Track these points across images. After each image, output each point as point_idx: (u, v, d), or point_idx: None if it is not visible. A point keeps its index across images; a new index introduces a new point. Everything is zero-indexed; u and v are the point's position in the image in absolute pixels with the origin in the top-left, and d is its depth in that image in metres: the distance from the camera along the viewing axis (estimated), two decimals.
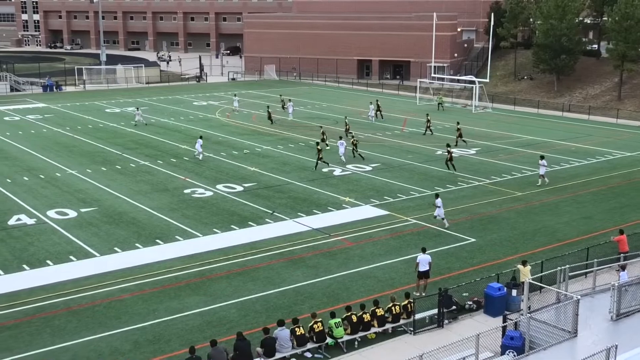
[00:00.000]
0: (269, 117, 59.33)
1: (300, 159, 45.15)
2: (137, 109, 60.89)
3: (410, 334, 21.58)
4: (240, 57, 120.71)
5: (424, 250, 24.85)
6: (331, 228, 31.34)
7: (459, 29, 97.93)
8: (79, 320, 22.18)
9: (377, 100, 64.85)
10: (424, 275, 24.40)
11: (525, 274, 23.04)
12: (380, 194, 36.95)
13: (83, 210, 33.92)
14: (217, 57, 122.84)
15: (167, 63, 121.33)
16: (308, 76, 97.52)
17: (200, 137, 47.46)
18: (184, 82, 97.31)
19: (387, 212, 33.78)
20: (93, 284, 25.03)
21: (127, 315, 22.60)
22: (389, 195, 36.88)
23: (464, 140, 50.56)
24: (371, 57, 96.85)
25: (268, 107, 64.16)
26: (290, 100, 65.45)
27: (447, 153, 42.47)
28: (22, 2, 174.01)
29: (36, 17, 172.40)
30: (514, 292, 22.76)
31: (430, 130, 54.60)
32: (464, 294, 23.68)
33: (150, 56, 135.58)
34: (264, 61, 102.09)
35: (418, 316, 21.95)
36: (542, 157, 39.89)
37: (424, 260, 24.38)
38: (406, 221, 32.48)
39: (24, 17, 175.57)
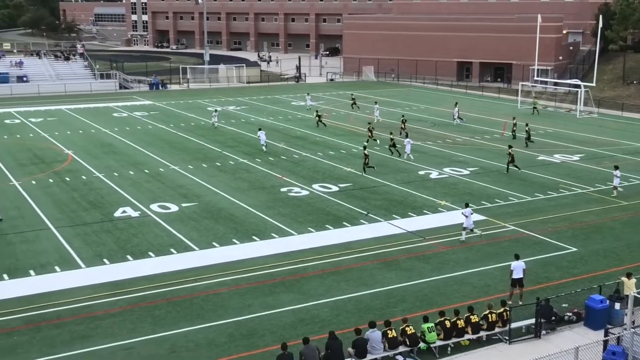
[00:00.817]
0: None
1: (396, 161, 44.93)
2: (216, 110, 61.85)
3: (506, 343, 21.08)
4: (340, 57, 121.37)
5: (517, 257, 24.20)
6: (426, 231, 31.03)
7: (564, 31, 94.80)
8: (177, 311, 22.91)
9: (456, 103, 64.08)
10: (518, 282, 23.78)
11: (630, 287, 22.06)
12: (477, 199, 36.28)
13: (184, 205, 35.02)
14: (316, 57, 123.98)
15: (268, 63, 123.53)
16: (406, 78, 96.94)
17: (260, 129, 50.47)
18: (283, 82, 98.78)
19: (484, 217, 33.12)
20: (192, 276, 25.80)
21: (223, 308, 23.16)
22: (487, 200, 36.16)
23: (531, 141, 50.18)
24: (471, 59, 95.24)
25: (354, 99, 68.68)
26: (376, 102, 65.16)
27: (508, 155, 42.03)
28: (132, 3, 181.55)
29: (145, 17, 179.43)
30: (617, 306, 21.83)
31: (513, 134, 53.29)
32: (563, 305, 22.90)
33: (252, 56, 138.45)
34: (363, 62, 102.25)
35: (514, 325, 21.40)
36: (616, 168, 37.93)
37: (518, 267, 23.76)
38: (504, 227, 31.74)
39: (134, 17, 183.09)
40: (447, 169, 42.91)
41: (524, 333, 21.57)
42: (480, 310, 21.65)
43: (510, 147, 43.06)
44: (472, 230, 29.95)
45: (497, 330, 21.36)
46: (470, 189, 38.30)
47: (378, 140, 49.93)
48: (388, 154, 46.63)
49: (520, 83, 77.69)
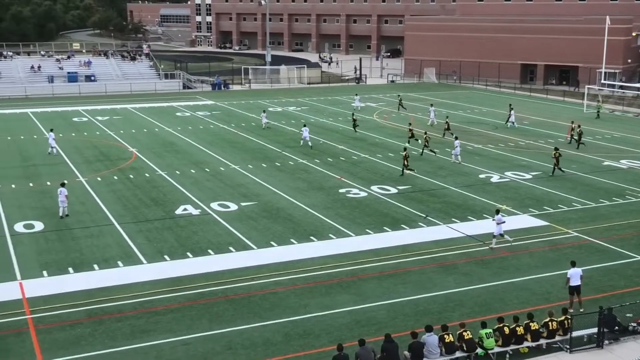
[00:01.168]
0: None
1: (456, 164, 44.38)
2: (264, 111, 61.95)
3: (566, 351, 20.57)
4: (401, 59, 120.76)
5: (573, 264, 23.64)
6: (486, 236, 30.54)
7: (633, 33, 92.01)
8: (235, 309, 23.17)
9: (510, 106, 63.10)
10: (576, 290, 23.20)
11: None
12: (539, 204, 35.55)
13: (243, 204, 35.41)
14: (377, 59, 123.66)
15: (329, 64, 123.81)
16: (468, 80, 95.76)
17: (305, 125, 52.31)
18: (344, 83, 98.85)
19: (546, 223, 32.43)
20: (250, 275, 26.05)
21: (280, 308, 23.31)
22: (549, 205, 35.39)
23: (582, 143, 49.76)
24: (536, 62, 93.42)
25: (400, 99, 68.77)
26: (432, 105, 64.51)
27: (553, 158, 41.77)
28: (197, 5, 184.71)
29: (209, 19, 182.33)
30: None
31: (574, 139, 51.82)
32: (628, 315, 22.22)
33: (313, 57, 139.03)
34: (424, 64, 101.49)
35: (575, 334, 20.86)
36: None
37: (575, 275, 23.19)
38: (567, 234, 31.01)
39: (198, 19, 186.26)
40: (508, 173, 42.20)
41: (585, 342, 21.01)
42: (541, 317, 21.19)
43: (556, 149, 42.49)
44: (502, 236, 29.19)
45: (557, 338, 20.88)
46: (532, 194, 37.57)
47: (420, 140, 49.43)
48: (442, 157, 46.12)
49: (587, 86, 75.80)
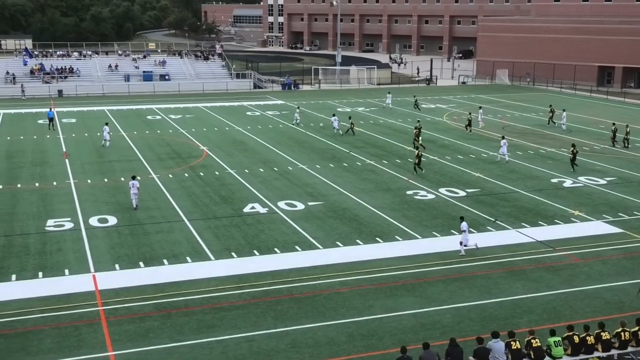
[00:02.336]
0: (468, 125, 56.59)
1: (529, 168, 43.47)
2: (298, 107, 63.92)
3: None
4: (473, 60, 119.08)
5: None
6: (557, 242, 29.82)
7: None
8: (299, 308, 23.31)
9: (550, 106, 63.30)
10: None
11: None
12: (614, 210, 34.46)
13: (310, 203, 35.58)
14: (448, 60, 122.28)
15: (399, 65, 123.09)
16: (542, 82, 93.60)
17: (334, 115, 58.03)
18: (414, 85, 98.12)
19: (620, 230, 31.40)
20: (315, 274, 26.17)
21: (345, 308, 23.32)
22: (625, 212, 34.25)
23: (627, 146, 50.23)
24: (614, 64, 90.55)
25: (416, 99, 71.24)
26: (480, 107, 64.09)
27: (571, 154, 42.54)
28: (269, 5, 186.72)
29: (281, 19, 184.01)
30: None
31: (624, 142, 51.12)
32: None
33: (383, 58, 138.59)
34: (497, 65, 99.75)
35: None
36: None
37: None
38: None
39: (270, 19, 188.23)
40: (582, 178, 41.05)
41: None
42: (613, 327, 20.52)
43: (573, 145, 43.71)
44: (466, 245, 28.44)
45: (630, 349, 20.18)
46: (606, 200, 36.45)
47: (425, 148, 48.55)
48: (527, 162, 45.22)
49: None
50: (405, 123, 61.46)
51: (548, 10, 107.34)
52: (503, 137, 46.29)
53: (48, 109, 60.55)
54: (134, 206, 34.40)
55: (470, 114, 58.16)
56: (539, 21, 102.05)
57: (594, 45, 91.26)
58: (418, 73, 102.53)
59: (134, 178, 34.99)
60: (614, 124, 53.18)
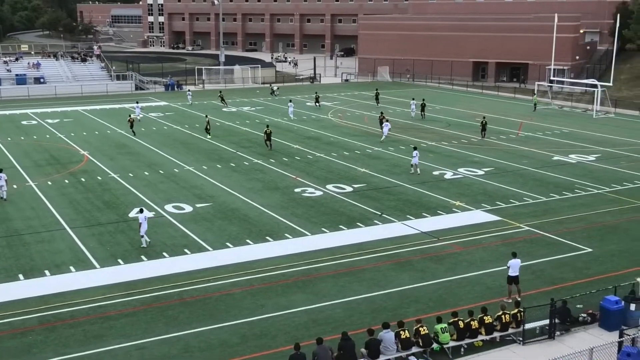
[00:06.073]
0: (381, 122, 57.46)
1: (411, 162, 44.74)
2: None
3: (520, 344, 20.95)
4: (355, 58, 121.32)
5: (514, 255, 24.25)
6: (440, 232, 30.93)
7: (581, 31, 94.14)
8: (190, 312, 22.98)
9: (423, 99, 67.03)
10: (514, 280, 23.76)
11: None
12: (492, 199, 36.11)
13: (198, 205, 35.13)
14: (331, 58, 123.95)
15: (290, 63, 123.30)
16: (422, 78, 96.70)
17: (290, 101, 64.22)
18: (298, 83, 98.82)
19: (498, 218, 32.96)
20: (205, 277, 25.87)
21: (237, 309, 23.20)
22: (501, 200, 35.97)
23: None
24: (487, 59, 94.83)
25: (377, 93, 73.67)
26: (413, 99, 67.31)
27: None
28: (148, 4, 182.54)
29: (161, 19, 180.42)
30: (633, 307, 21.63)
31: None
32: (578, 306, 22.73)
33: (267, 57, 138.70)
34: (378, 62, 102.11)
35: (528, 326, 21.27)
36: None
37: (514, 265, 23.76)
38: (518, 228, 31.56)
39: (150, 19, 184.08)
40: (461, 170, 42.74)
41: (538, 334, 21.43)
42: (494, 311, 21.53)
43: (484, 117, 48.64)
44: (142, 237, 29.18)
45: (510, 331, 21.25)
46: (484, 189, 38.14)
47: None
48: (410, 156, 46.49)
49: (537, 83, 77.31)
50: (290, 122, 61.78)
51: (424, 8, 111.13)
52: (415, 148, 43.59)
53: None
54: (4, 198, 35.63)
55: (484, 117, 55.83)
56: (416, 19, 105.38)
57: (469, 42, 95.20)
58: (291, 63, 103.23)
59: (0, 171, 36.17)
60: (484, 117, 55.73)
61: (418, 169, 41.72)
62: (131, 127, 55.67)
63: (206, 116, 58.14)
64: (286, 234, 30.69)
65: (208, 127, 54.92)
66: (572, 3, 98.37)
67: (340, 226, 31.76)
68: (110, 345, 20.64)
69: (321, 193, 37.47)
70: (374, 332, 19.72)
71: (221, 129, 58.34)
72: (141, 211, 29.99)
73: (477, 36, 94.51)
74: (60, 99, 79.70)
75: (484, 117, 55.46)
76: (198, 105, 73.51)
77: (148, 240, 29.21)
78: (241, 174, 41.99)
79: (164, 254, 28.29)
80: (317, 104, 71.90)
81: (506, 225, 32.00)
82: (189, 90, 76.66)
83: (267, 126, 51.30)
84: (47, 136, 55.41)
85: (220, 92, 77.58)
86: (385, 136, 52.36)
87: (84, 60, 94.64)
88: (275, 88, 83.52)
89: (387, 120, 54.24)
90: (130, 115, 58.33)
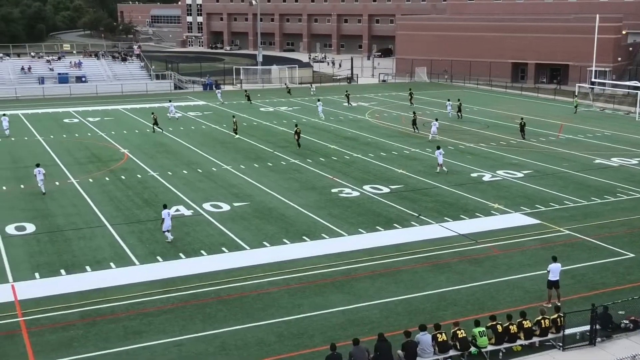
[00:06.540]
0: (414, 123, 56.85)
1: (449, 163, 44.41)
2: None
3: (559, 349, 20.65)
4: (392, 58, 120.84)
5: (554, 259, 23.91)
6: (478, 234, 30.65)
7: (623, 32, 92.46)
8: (228, 310, 23.14)
9: (459, 100, 66.97)
10: (554, 285, 23.40)
11: None
12: (531, 202, 35.66)
13: (236, 204, 35.35)
14: (368, 58, 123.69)
15: (328, 64, 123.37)
16: (460, 79, 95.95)
17: (318, 101, 64.32)
18: (335, 83, 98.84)
19: (538, 221, 32.54)
20: (243, 275, 26.02)
21: (274, 308, 23.29)
22: (541, 203, 35.50)
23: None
24: (527, 60, 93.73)
25: (411, 94, 73.69)
26: (449, 100, 67.37)
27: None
28: (187, 5, 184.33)
29: (200, 19, 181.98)
30: None
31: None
32: (620, 312, 22.31)
33: (304, 57, 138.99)
34: (416, 63, 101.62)
35: (568, 331, 20.94)
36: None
37: (554, 269, 23.38)
38: (558, 232, 31.11)
39: (189, 19, 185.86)
40: (500, 172, 42.30)
41: (578, 340, 21.10)
42: (533, 315, 21.26)
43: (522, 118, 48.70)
44: (166, 232, 29.63)
45: (550, 336, 20.95)
46: (524, 192, 37.68)
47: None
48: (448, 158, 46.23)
49: (577, 84, 76.19)
50: (327, 121, 61.84)
51: (462, 9, 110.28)
52: (438, 147, 43.44)
53: None
54: (43, 192, 36.76)
55: (522, 118, 55.00)
56: (453, 20, 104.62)
57: (508, 43, 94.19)
58: (326, 61, 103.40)
59: (38, 166, 37.58)
60: (522, 118, 55.10)
61: (444, 168, 41.78)
62: (154, 124, 56.92)
63: (233, 116, 58.89)
64: (323, 234, 30.71)
65: (235, 127, 55.35)
66: (614, 4, 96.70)
67: (377, 227, 31.68)
68: (149, 342, 20.89)
69: (358, 194, 37.42)
70: (410, 334, 19.62)
71: (258, 128, 58.65)
72: (164, 207, 30.29)
73: (516, 37, 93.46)
74: (101, 98, 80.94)
75: (522, 118, 54.80)
76: (236, 105, 73.98)
77: (171, 237, 29.58)
78: (278, 173, 42.14)
79: (202, 252, 28.54)
80: (348, 103, 71.78)
81: (546, 228, 31.58)
82: (218, 89, 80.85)
83: (297, 125, 51.81)
84: (89, 134, 56.30)
85: (246, 91, 79.21)
86: (432, 135, 52.36)
87: (124, 59, 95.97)
88: (292, 86, 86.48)
89: (436, 120, 54.37)
90: (153, 113, 59.18)
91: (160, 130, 56.64)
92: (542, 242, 29.74)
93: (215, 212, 33.95)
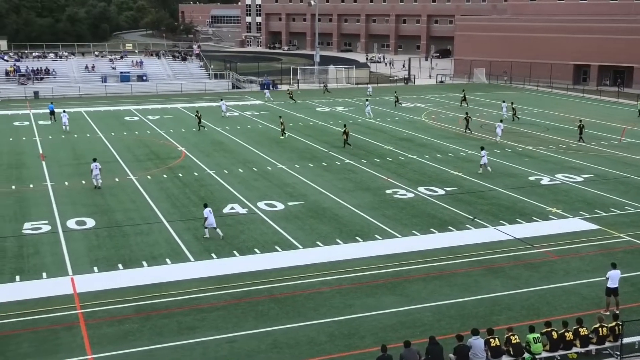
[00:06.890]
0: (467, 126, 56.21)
1: (506, 166, 43.77)
2: (221, 99, 68.21)
3: (616, 358, 20.11)
4: (450, 59, 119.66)
5: (614, 266, 23.27)
6: (535, 239, 30.08)
7: None
8: (280, 308, 23.29)
9: (511, 103, 65.52)
10: (612, 292, 22.75)
11: None
12: (591, 207, 34.82)
13: (290, 203, 35.55)
14: (426, 59, 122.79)
15: (386, 64, 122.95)
16: (519, 80, 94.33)
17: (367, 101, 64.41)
18: (392, 84, 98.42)
19: (597, 227, 31.74)
20: (295, 274, 26.15)
21: (325, 307, 23.34)
22: (601, 209, 34.62)
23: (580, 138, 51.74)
24: (589, 62, 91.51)
25: (464, 94, 73.09)
26: (504, 101, 66.19)
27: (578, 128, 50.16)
28: (247, 5, 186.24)
29: (258, 19, 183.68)
30: None
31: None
32: None
33: (362, 57, 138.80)
34: (474, 64, 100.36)
35: (626, 340, 20.37)
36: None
37: (614, 276, 22.75)
38: (619, 238, 30.29)
39: (248, 19, 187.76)
40: (559, 175, 41.43)
41: (636, 349, 20.50)
42: (590, 323, 20.75)
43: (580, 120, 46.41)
44: (215, 229, 29.84)
45: (607, 344, 20.42)
46: (583, 197, 36.82)
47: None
48: (504, 160, 45.52)
49: None
50: (383, 122, 61.62)
51: (524, 9, 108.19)
52: (482, 148, 43.32)
53: (49, 103, 64.83)
54: (99, 186, 37.99)
55: (581, 121, 54.22)
56: (515, 20, 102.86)
57: (569, 44, 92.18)
58: (384, 62, 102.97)
59: (94, 160, 38.61)
60: (580, 120, 53.86)
61: (489, 167, 41.58)
62: (199, 122, 57.99)
63: (280, 117, 59.15)
64: (376, 235, 30.63)
65: (282, 127, 55.39)
66: None
67: (432, 229, 31.42)
68: (202, 337, 21.20)
69: (412, 195, 37.18)
70: (463, 338, 19.40)
71: (314, 128, 58.85)
72: (205, 206, 30.69)
73: (579, 38, 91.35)
74: (161, 96, 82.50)
75: (581, 121, 53.54)
76: (292, 105, 74.40)
77: (207, 236, 30.06)
78: (333, 173, 42.20)
79: (256, 250, 28.80)
80: (398, 103, 71.50)
81: (606, 234, 30.79)
82: (269, 89, 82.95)
83: (345, 125, 52.27)
84: (148, 132, 57.45)
85: (289, 90, 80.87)
86: (499, 137, 52.15)
87: (184, 59, 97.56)
88: (329, 87, 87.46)
89: (500, 121, 54.74)
90: (197, 111, 60.01)
91: (203, 128, 57.55)
92: (601, 248, 29.01)
93: (270, 211, 34.21)
